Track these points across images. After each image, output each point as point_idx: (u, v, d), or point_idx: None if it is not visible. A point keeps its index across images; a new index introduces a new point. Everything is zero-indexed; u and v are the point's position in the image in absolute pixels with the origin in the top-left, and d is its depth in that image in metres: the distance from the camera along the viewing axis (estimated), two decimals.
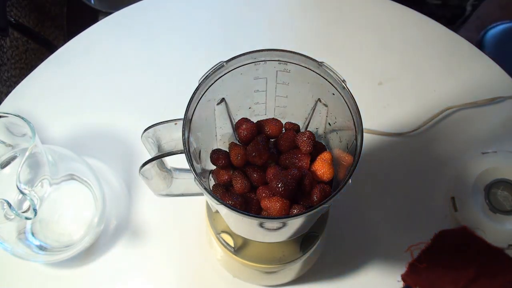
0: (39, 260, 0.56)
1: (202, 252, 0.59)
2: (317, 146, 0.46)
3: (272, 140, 0.47)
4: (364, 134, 0.38)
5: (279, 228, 0.41)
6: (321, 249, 0.58)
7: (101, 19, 0.75)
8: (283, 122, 0.47)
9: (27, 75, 0.70)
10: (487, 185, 0.61)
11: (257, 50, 0.40)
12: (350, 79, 0.41)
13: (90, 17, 1.21)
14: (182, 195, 0.51)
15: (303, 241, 0.51)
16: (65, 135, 0.66)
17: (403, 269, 0.58)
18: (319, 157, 0.45)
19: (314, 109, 0.46)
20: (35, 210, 0.46)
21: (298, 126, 0.48)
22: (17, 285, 0.58)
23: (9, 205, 0.45)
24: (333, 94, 0.42)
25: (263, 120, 0.47)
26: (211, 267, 0.58)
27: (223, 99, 0.45)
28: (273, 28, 0.74)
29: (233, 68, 0.41)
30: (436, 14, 0.72)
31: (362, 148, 0.38)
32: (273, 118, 0.47)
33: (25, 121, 0.49)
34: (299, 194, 0.42)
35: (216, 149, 0.46)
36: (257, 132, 0.45)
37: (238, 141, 0.47)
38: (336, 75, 0.40)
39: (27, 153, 0.46)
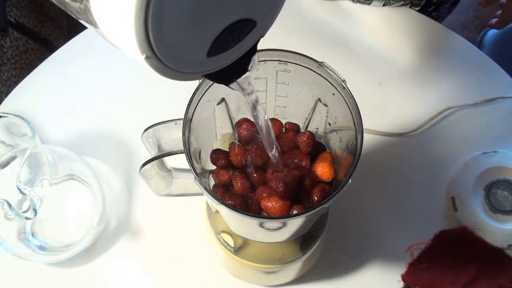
0: (39, 260, 0.56)
1: (202, 252, 0.59)
2: (317, 146, 0.46)
3: None
4: (364, 134, 0.38)
5: (279, 228, 0.41)
6: (321, 249, 0.58)
7: None
8: (283, 122, 0.47)
9: (27, 75, 0.70)
10: (487, 185, 0.61)
11: (257, 50, 0.40)
12: (350, 79, 0.41)
13: None
14: (182, 195, 0.51)
15: (303, 241, 0.51)
16: (65, 135, 0.66)
17: (403, 269, 0.58)
18: (319, 157, 0.45)
19: (314, 109, 0.46)
20: (35, 210, 0.47)
21: (298, 126, 0.48)
22: (17, 285, 0.58)
23: (9, 205, 0.45)
24: (333, 94, 0.42)
25: None
26: (211, 267, 0.58)
27: (223, 99, 0.45)
28: (273, 28, 0.74)
29: None
30: None
31: (362, 148, 0.38)
32: (273, 118, 0.48)
33: (25, 121, 0.49)
34: (299, 194, 0.42)
35: (216, 149, 0.46)
36: (257, 132, 0.45)
37: (238, 141, 0.47)
38: (336, 75, 0.40)
39: (27, 153, 0.46)
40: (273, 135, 0.39)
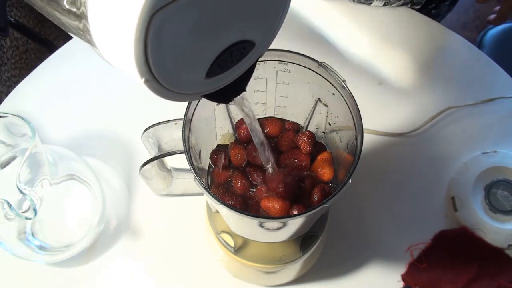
0: (39, 260, 0.56)
1: (202, 252, 0.59)
2: (317, 146, 0.46)
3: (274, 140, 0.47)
4: (364, 134, 0.38)
5: (279, 228, 0.41)
6: (321, 249, 0.58)
7: None
8: (283, 122, 0.47)
9: (27, 75, 0.70)
10: (487, 185, 0.61)
11: None
12: (350, 79, 0.41)
13: None
14: (182, 195, 0.51)
15: (303, 241, 0.51)
16: (65, 135, 0.66)
17: (403, 269, 0.58)
18: (319, 157, 0.45)
19: (314, 109, 0.46)
20: (35, 210, 0.46)
21: (298, 126, 0.48)
22: (17, 285, 0.58)
23: (9, 205, 0.45)
24: (333, 94, 0.42)
25: (263, 120, 0.47)
26: (211, 267, 0.58)
27: None
28: None
29: None
30: None
31: (362, 148, 0.38)
32: (273, 118, 0.48)
33: (25, 121, 0.49)
34: (299, 194, 0.42)
35: (216, 149, 0.46)
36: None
37: (238, 141, 0.47)
38: (336, 75, 0.40)
39: (27, 153, 0.46)
40: (269, 152, 0.39)
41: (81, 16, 0.22)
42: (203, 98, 0.41)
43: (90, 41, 0.23)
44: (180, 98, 0.27)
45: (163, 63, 0.23)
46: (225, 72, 0.27)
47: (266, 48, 0.29)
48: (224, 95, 0.32)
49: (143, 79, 0.23)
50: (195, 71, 0.25)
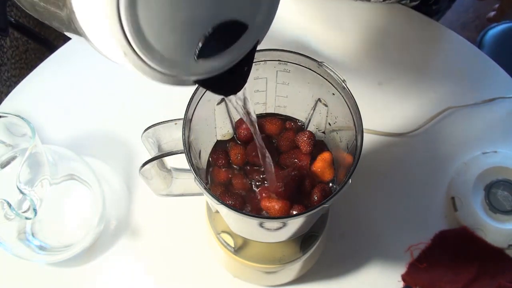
0: (39, 260, 0.56)
1: (202, 252, 0.59)
2: (317, 146, 0.46)
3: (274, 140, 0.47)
4: (364, 134, 0.38)
5: (279, 228, 0.41)
6: (321, 249, 0.58)
7: None
8: (283, 122, 0.47)
9: (27, 75, 0.70)
10: (487, 185, 0.61)
11: (257, 50, 0.40)
12: (350, 79, 0.41)
13: None
14: (182, 195, 0.51)
15: (303, 241, 0.51)
16: (65, 135, 0.66)
17: (403, 269, 0.58)
18: (319, 157, 0.45)
19: (314, 109, 0.46)
20: (35, 210, 0.46)
21: (299, 125, 0.48)
22: (17, 285, 0.58)
23: (9, 205, 0.45)
24: (333, 94, 0.42)
25: (263, 119, 0.47)
26: (211, 267, 0.58)
27: (223, 99, 0.45)
28: (273, 28, 0.73)
29: None
30: None
31: (362, 148, 0.38)
32: (273, 118, 0.48)
33: (25, 121, 0.49)
34: (299, 194, 0.42)
35: (216, 148, 0.46)
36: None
37: (238, 141, 0.47)
38: (336, 75, 0.40)
39: (27, 153, 0.46)
40: (269, 158, 0.39)
41: (65, 4, 0.22)
42: (203, 98, 0.41)
43: (78, 31, 0.23)
44: (169, 80, 0.25)
45: (141, 33, 0.22)
46: (216, 56, 0.26)
47: (261, 35, 0.28)
48: (223, 86, 0.30)
49: (122, 52, 0.22)
50: (179, 48, 0.24)
